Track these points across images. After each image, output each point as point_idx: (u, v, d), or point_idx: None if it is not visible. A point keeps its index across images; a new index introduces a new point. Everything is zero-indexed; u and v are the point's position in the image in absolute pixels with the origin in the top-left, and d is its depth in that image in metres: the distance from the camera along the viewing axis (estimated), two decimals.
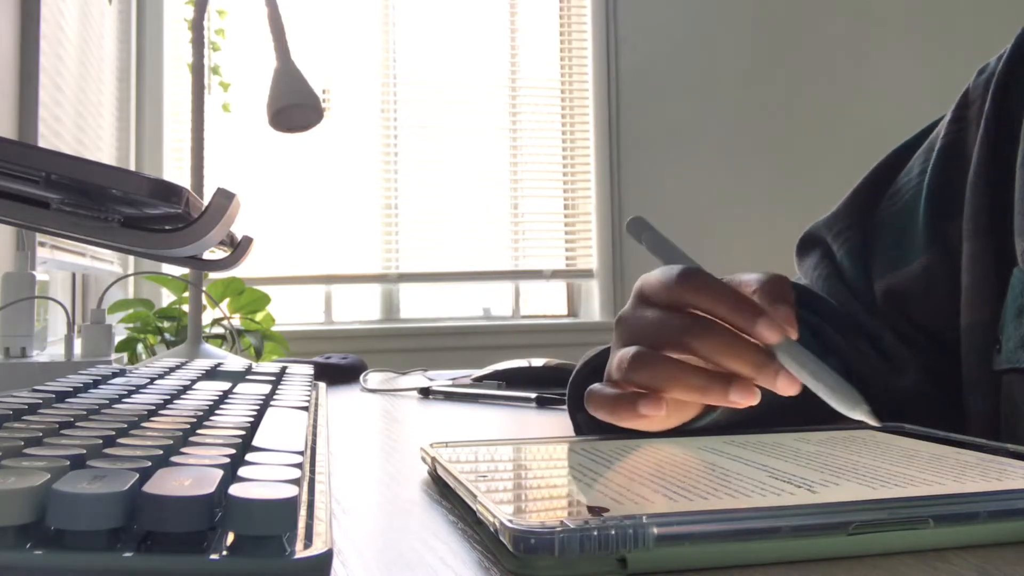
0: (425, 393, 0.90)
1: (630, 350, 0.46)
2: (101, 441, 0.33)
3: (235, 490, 0.26)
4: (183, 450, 0.32)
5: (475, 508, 0.34)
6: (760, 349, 0.43)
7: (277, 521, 0.25)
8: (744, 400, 0.43)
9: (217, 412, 0.44)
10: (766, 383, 0.43)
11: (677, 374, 0.44)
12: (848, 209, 0.68)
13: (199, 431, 0.37)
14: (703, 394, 0.44)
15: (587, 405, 0.48)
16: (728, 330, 0.44)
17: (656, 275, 0.48)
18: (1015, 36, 0.60)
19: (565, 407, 0.61)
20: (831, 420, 0.47)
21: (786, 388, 0.43)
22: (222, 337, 1.64)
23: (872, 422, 0.44)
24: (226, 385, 0.58)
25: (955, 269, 0.59)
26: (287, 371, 0.73)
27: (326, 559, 0.25)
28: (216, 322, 1.66)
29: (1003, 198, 0.56)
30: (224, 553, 0.25)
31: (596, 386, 0.48)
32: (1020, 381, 0.53)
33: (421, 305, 2.84)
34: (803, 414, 0.51)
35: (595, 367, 0.58)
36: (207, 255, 0.55)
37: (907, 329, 0.62)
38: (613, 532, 0.29)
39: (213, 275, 1.69)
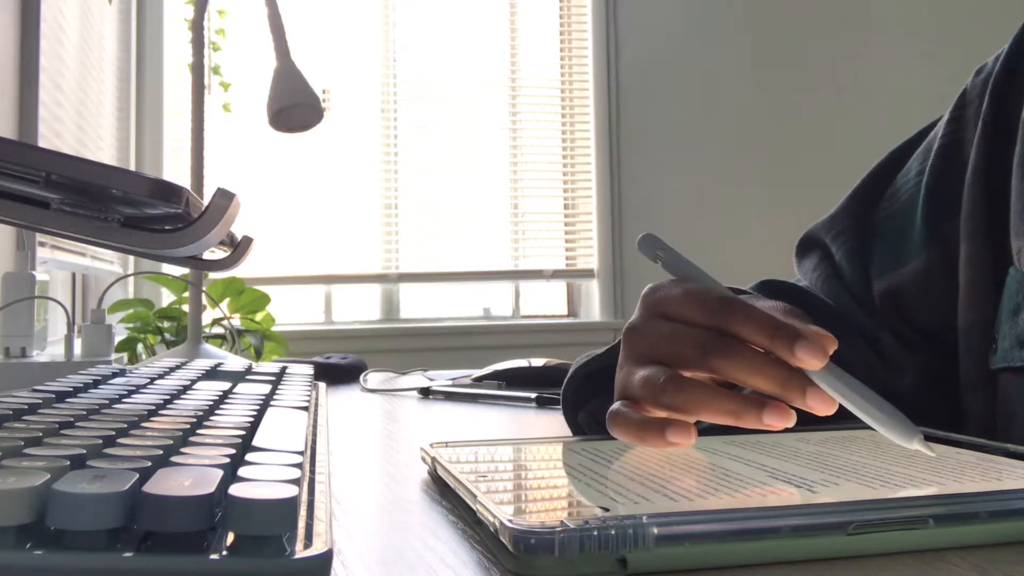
0: (425, 393, 0.90)
1: (658, 373, 0.43)
2: (101, 441, 0.33)
3: (235, 490, 0.26)
4: (183, 450, 0.32)
5: (475, 508, 0.34)
6: (784, 365, 0.40)
7: (277, 521, 0.25)
8: (780, 423, 0.40)
9: (217, 412, 0.44)
10: (794, 401, 0.40)
11: (711, 400, 0.41)
12: (847, 211, 0.68)
13: (199, 431, 0.37)
14: (737, 418, 0.41)
15: (611, 426, 0.45)
16: (749, 348, 0.41)
17: (679, 291, 0.45)
18: (1012, 36, 0.60)
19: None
20: (828, 420, 0.47)
21: (820, 407, 0.40)
22: (222, 337, 1.64)
23: (929, 452, 0.39)
24: (226, 385, 0.58)
25: (952, 269, 0.59)
26: (287, 371, 0.73)
27: (326, 559, 0.25)
28: (216, 322, 1.66)
29: (1000, 198, 0.56)
30: (224, 553, 0.25)
31: (619, 407, 0.45)
32: (1015, 380, 0.53)
33: (421, 305, 2.84)
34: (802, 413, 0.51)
35: (590, 374, 0.58)
36: (207, 255, 0.55)
37: (905, 330, 0.62)
38: (613, 532, 0.29)
39: (213, 275, 1.69)
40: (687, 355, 0.43)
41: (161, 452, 0.31)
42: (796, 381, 0.40)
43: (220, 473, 0.28)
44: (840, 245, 0.66)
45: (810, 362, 0.40)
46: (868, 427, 0.49)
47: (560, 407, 0.60)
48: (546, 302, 2.98)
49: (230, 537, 0.25)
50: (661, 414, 0.43)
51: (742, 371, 0.41)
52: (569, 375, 0.60)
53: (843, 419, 0.46)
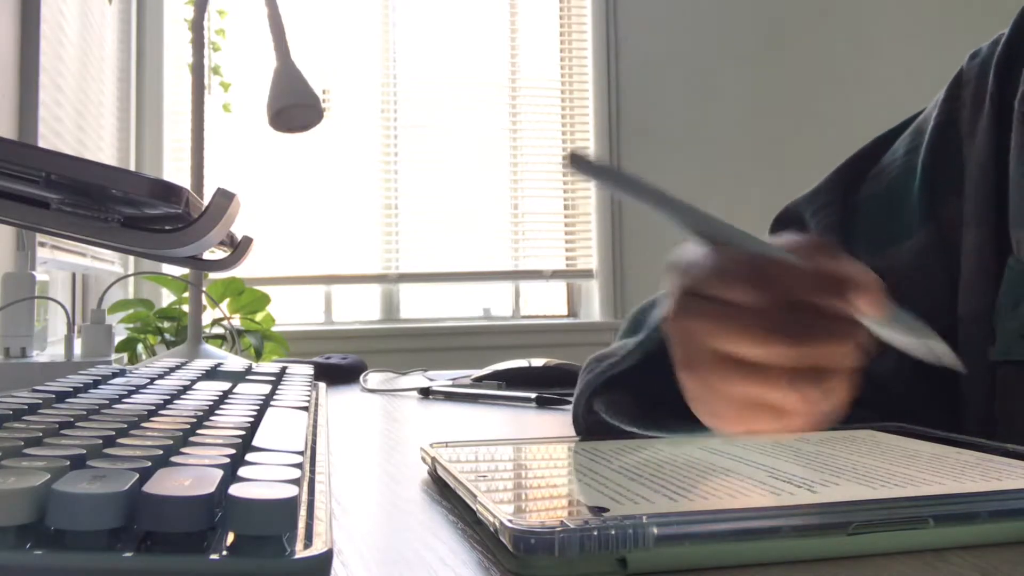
0: (425, 393, 0.90)
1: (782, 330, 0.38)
2: (101, 441, 0.33)
3: (235, 490, 0.26)
4: (183, 450, 0.32)
5: (475, 508, 0.34)
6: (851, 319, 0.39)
7: (277, 521, 0.25)
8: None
9: (217, 412, 0.44)
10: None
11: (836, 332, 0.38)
12: (829, 186, 0.66)
13: (199, 431, 0.37)
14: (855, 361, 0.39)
15: (773, 423, 0.40)
16: (831, 323, 0.38)
17: (708, 263, 0.40)
18: (1012, 20, 0.59)
19: (564, 407, 0.60)
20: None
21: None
22: (222, 337, 1.64)
23: (958, 367, 0.39)
24: (226, 385, 0.58)
25: (950, 250, 0.58)
26: (287, 371, 0.73)
27: (326, 559, 0.25)
28: (216, 322, 1.66)
29: (1006, 184, 0.55)
30: (224, 553, 0.25)
31: (762, 407, 0.39)
32: (1016, 373, 0.53)
33: (421, 305, 2.84)
34: None
35: (614, 379, 0.54)
36: (207, 255, 0.55)
37: None
38: (613, 532, 0.29)
39: (213, 275, 1.69)
40: (762, 340, 0.38)
41: (161, 452, 0.31)
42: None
43: (220, 473, 0.28)
44: (819, 221, 0.65)
45: (872, 311, 0.38)
46: (869, 427, 0.49)
47: (559, 406, 0.60)
48: (546, 302, 2.98)
49: (230, 537, 0.25)
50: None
51: (828, 342, 0.38)
52: (586, 381, 0.56)
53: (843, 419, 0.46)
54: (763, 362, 0.38)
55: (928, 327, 0.39)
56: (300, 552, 0.25)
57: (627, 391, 0.54)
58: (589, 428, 0.57)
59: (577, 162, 0.40)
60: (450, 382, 0.95)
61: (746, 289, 0.39)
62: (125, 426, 0.37)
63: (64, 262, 1.82)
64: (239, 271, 0.71)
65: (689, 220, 0.41)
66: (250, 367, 0.76)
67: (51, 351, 1.16)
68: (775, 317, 0.38)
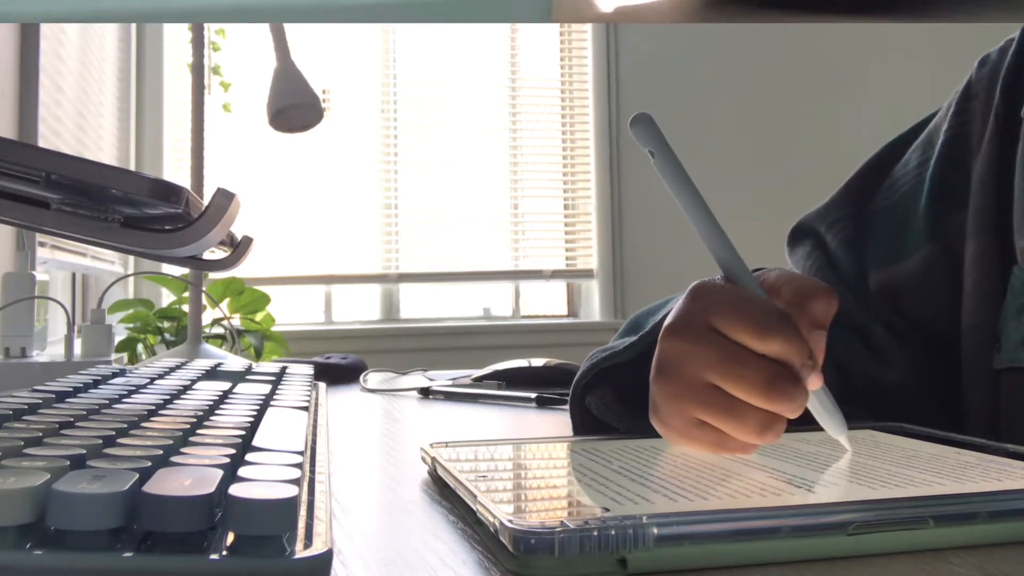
0: (425, 393, 0.90)
1: (740, 408, 0.41)
2: (101, 441, 0.33)
3: (235, 490, 0.26)
4: (183, 450, 0.32)
5: (475, 508, 0.34)
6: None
7: (277, 521, 0.25)
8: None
9: (217, 412, 0.44)
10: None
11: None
12: (842, 200, 0.67)
13: (199, 431, 0.37)
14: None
15: (711, 446, 0.43)
16: (803, 388, 0.42)
17: (732, 302, 0.44)
18: (1021, 27, 0.59)
19: (565, 407, 0.60)
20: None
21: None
22: (222, 337, 1.64)
23: (848, 447, 0.44)
24: (226, 385, 0.58)
25: (956, 262, 0.58)
26: (287, 371, 0.73)
27: (326, 559, 0.25)
28: (216, 322, 1.66)
29: (1008, 195, 0.56)
30: (224, 553, 0.25)
31: (707, 434, 0.42)
32: (1019, 380, 0.53)
33: (421, 305, 2.84)
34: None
35: (608, 369, 0.54)
36: (207, 255, 0.55)
37: (899, 323, 0.62)
38: (613, 532, 0.29)
39: (213, 275, 1.69)
40: (751, 389, 0.41)
41: (161, 452, 0.31)
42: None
43: (220, 473, 0.28)
44: (836, 234, 0.66)
45: (813, 384, 0.42)
46: (868, 427, 0.49)
47: (559, 406, 0.59)
48: (546, 302, 2.98)
49: (230, 537, 0.25)
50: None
51: (796, 411, 0.41)
52: (584, 369, 0.56)
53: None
54: (737, 400, 0.42)
55: (842, 415, 0.44)
56: (300, 552, 0.25)
57: (612, 388, 0.55)
58: (583, 420, 0.57)
59: (639, 123, 0.44)
60: (450, 382, 0.95)
61: (756, 339, 0.42)
62: (125, 426, 0.37)
63: (64, 262, 1.82)
64: (239, 271, 0.71)
65: (705, 234, 0.46)
66: (250, 367, 0.76)
67: (51, 351, 1.16)
68: (773, 372, 0.41)
